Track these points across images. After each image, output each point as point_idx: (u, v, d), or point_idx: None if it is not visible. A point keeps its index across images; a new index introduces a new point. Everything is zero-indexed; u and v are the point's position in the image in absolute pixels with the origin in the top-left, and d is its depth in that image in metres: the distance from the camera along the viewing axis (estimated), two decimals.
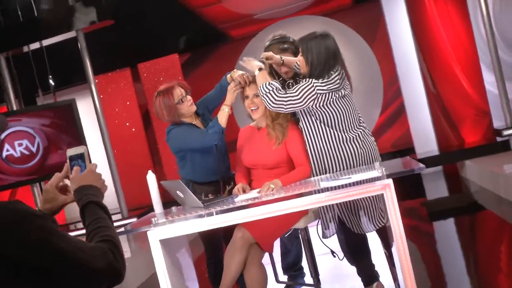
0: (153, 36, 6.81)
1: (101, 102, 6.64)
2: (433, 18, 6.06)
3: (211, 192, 2.76)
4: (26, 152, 5.08)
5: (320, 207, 2.58)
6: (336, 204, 2.55)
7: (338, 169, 2.54)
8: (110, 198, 6.97)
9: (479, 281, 2.86)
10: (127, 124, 7.14)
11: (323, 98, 2.48)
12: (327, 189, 2.15)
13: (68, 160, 1.34)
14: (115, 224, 5.37)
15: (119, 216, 5.95)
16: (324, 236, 2.66)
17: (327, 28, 2.66)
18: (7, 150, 5.07)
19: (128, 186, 6.28)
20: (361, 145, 2.55)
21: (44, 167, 5.16)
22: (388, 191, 2.11)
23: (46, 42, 6.06)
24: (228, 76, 2.76)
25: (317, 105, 2.49)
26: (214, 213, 2.26)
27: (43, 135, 5.28)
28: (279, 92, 2.46)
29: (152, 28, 6.69)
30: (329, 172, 2.55)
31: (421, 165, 2.14)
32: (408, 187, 5.28)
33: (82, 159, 1.33)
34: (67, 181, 1.32)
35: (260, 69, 2.54)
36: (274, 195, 2.32)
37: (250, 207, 2.27)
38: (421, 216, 4.63)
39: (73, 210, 8.05)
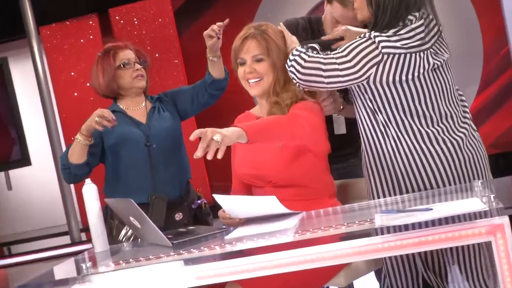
0: None
1: (51, 63, 6.61)
2: None
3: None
4: None
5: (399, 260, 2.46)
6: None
7: (417, 188, 2.39)
8: (56, 206, 6.89)
9: None
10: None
11: (395, 67, 2.28)
12: (388, 230, 1.89)
13: None
14: (52, 253, 5.07)
15: (66, 240, 5.61)
16: None
17: None
18: None
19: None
20: (464, 149, 2.38)
21: None
22: (499, 237, 1.82)
23: None
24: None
25: (383, 80, 2.31)
26: (190, 263, 1.98)
27: None
28: (313, 52, 2.40)
29: None
30: (399, 193, 2.42)
31: None
32: None
33: None
34: None
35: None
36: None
37: (252, 254, 1.98)
38: None
39: (9, 225, 8.18)
